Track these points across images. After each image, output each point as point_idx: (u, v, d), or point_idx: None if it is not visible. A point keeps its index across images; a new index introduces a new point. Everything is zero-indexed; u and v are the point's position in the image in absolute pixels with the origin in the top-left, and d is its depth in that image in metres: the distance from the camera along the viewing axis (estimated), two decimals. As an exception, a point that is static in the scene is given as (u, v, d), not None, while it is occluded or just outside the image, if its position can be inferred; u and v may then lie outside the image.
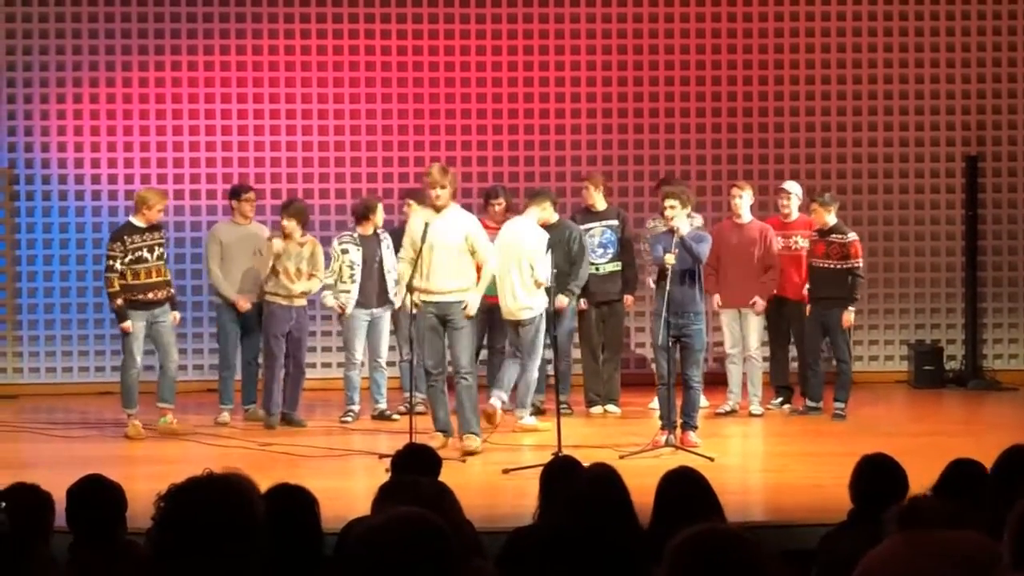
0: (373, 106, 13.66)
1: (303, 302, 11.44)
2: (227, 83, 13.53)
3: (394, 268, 11.19)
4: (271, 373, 11.35)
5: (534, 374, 11.21)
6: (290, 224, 11.32)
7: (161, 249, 11.10)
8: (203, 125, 13.52)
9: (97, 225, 13.41)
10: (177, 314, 11.36)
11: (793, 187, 12.21)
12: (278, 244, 11.29)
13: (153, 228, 11.03)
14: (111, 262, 10.90)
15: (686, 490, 5.10)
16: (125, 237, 10.91)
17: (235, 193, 11.86)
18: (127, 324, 10.91)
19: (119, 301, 10.90)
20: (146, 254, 10.95)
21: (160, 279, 11.07)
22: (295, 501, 4.75)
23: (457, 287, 10.26)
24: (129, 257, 10.87)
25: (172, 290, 11.27)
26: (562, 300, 11.27)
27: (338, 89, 13.61)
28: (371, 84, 13.65)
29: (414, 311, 10.06)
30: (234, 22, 13.56)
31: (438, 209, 10.25)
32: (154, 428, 11.04)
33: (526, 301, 11.10)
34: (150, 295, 10.98)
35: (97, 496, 5.19)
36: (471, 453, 9.95)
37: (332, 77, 13.60)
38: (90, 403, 12.68)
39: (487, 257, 10.42)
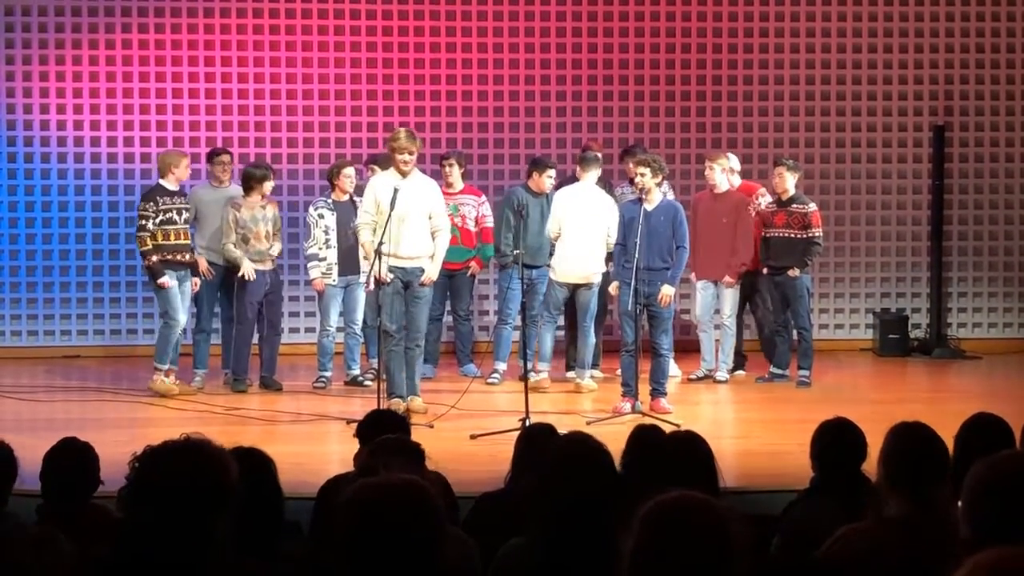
0: (342, 70, 13.60)
1: (274, 265, 11.40)
2: (202, 46, 13.43)
3: None
4: (243, 339, 11.33)
5: (593, 337, 11.40)
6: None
7: (187, 214, 11.17)
8: (186, 88, 13.41)
9: (79, 188, 13.41)
10: (197, 280, 11.30)
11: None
12: (234, 212, 11.22)
13: (179, 192, 11.11)
14: (143, 222, 10.92)
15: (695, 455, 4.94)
16: (158, 198, 10.95)
17: (209, 157, 11.88)
18: (165, 279, 10.90)
19: (154, 258, 10.89)
20: (175, 216, 11.01)
21: (187, 242, 11.13)
22: (254, 463, 4.76)
23: (423, 253, 10.27)
24: (160, 218, 10.90)
25: (193, 255, 11.25)
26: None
27: (307, 53, 13.53)
28: (340, 48, 13.59)
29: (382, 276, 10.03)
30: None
31: (404, 174, 10.22)
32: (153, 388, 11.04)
33: (600, 265, 11.30)
34: (179, 256, 11.02)
35: (71, 459, 5.19)
36: (417, 413, 9.95)
37: (301, 41, 13.51)
38: (55, 365, 12.69)
39: (443, 225, 10.42)
